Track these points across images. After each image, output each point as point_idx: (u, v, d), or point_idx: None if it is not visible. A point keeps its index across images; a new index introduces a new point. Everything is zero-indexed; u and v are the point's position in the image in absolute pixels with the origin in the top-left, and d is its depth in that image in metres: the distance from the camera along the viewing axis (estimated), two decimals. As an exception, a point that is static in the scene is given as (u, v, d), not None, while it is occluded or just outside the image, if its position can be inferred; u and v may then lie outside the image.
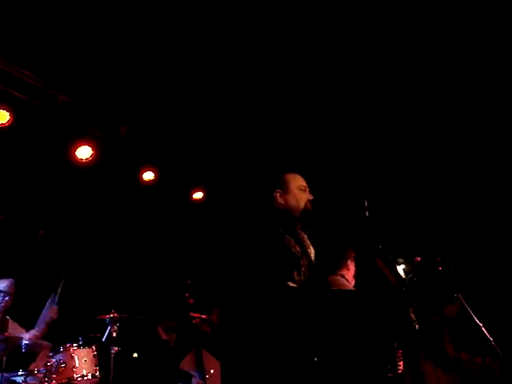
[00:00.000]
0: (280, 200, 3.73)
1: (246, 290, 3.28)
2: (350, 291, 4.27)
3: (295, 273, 3.37)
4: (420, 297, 3.35)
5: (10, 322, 6.45)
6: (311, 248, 3.70)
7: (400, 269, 3.97)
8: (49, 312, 6.30)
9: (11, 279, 6.46)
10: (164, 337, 7.36)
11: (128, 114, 7.61)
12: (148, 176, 8.27)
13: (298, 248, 3.52)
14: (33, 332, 6.17)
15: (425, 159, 7.44)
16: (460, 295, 4.55)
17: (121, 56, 6.61)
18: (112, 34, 6.31)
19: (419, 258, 4.32)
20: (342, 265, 5.22)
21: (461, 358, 5.90)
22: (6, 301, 6.36)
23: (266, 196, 3.79)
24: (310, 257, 3.62)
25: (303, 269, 3.44)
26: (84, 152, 7.51)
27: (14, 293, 6.45)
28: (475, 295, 4.98)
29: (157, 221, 8.59)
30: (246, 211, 4.52)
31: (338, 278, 5.07)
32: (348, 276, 5.15)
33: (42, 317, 6.28)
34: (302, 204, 3.69)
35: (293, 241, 3.54)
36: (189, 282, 6.86)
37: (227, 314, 3.62)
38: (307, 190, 3.78)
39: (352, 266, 5.24)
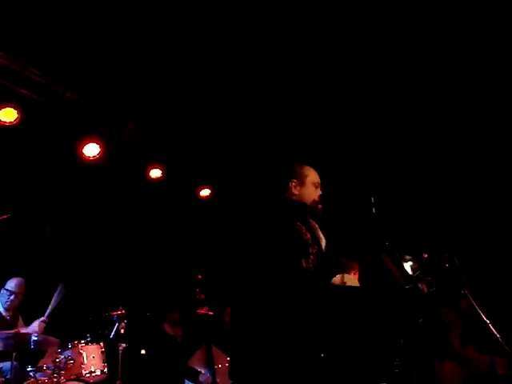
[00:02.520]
0: (294, 190, 3.76)
1: (254, 278, 3.30)
2: (356, 288, 4.27)
3: (303, 260, 3.38)
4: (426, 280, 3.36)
5: (21, 318, 6.51)
6: (322, 237, 3.70)
7: (407, 266, 3.97)
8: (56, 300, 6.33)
9: (20, 278, 6.51)
10: (170, 332, 7.39)
11: (135, 112, 7.62)
12: (155, 173, 8.28)
13: (308, 235, 3.53)
14: (35, 325, 6.17)
15: (431, 156, 7.44)
16: (467, 291, 4.55)
17: (128, 53, 6.62)
18: (119, 32, 6.32)
19: (426, 255, 4.32)
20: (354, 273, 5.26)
21: (468, 354, 5.91)
22: (12, 300, 6.42)
23: (281, 184, 3.80)
24: (321, 245, 3.63)
25: (312, 257, 3.44)
26: (91, 149, 7.51)
27: (24, 292, 6.50)
28: (482, 292, 4.98)
29: (164, 217, 8.61)
30: (258, 200, 4.53)
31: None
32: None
33: (50, 307, 6.33)
34: (314, 200, 3.72)
35: (304, 228, 3.55)
36: (199, 276, 6.87)
37: (237, 307, 3.62)
38: (320, 187, 3.81)
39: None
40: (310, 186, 3.76)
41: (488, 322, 4.49)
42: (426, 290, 3.26)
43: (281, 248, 3.32)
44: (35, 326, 6.12)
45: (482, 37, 6.18)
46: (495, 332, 4.40)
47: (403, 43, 6.39)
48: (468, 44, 6.29)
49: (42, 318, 6.19)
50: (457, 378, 5.57)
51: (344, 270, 5.24)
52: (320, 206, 3.69)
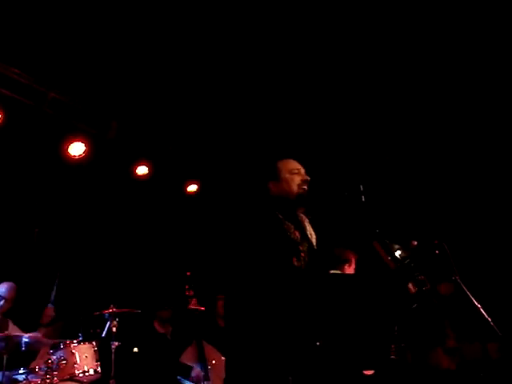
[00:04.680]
0: (274, 189, 3.73)
1: (247, 277, 3.29)
2: (348, 275, 4.28)
3: (294, 259, 3.37)
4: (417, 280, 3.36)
5: (11, 324, 6.45)
6: (313, 233, 3.69)
7: (396, 254, 3.98)
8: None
9: (11, 283, 6.46)
10: (160, 330, 7.37)
11: (119, 110, 7.59)
12: (142, 170, 8.26)
13: (297, 234, 3.51)
14: (33, 335, 6.16)
15: (418, 143, 7.47)
16: (458, 278, 4.57)
17: (110, 52, 6.59)
18: (100, 30, 6.29)
19: (416, 242, 4.33)
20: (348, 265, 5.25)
21: (460, 342, 5.93)
22: (2, 305, 6.37)
23: (262, 187, 3.79)
24: (312, 242, 3.62)
25: (302, 254, 3.43)
26: (77, 148, 7.49)
27: (14, 297, 6.46)
28: (473, 277, 5.01)
29: (152, 215, 8.59)
30: (244, 201, 4.51)
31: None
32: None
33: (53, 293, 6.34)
34: (294, 187, 3.66)
35: (292, 227, 3.53)
36: (188, 273, 6.86)
37: (231, 303, 3.61)
38: (301, 171, 3.75)
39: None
40: (286, 177, 3.70)
41: (479, 306, 4.51)
42: (413, 290, 3.26)
43: (271, 249, 3.30)
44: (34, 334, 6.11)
45: (481, 37, 6.21)
46: (487, 316, 4.42)
47: (397, 40, 6.41)
48: (468, 44, 6.33)
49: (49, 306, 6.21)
50: (446, 365, 5.59)
51: (339, 262, 5.24)
52: (304, 188, 3.64)
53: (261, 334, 3.06)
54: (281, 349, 2.91)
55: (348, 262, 5.23)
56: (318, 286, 2.97)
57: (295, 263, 3.36)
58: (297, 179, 3.69)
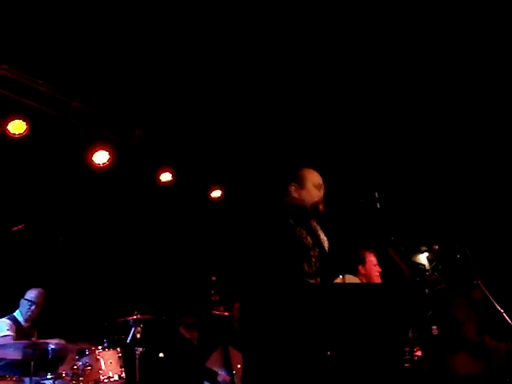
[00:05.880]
0: (294, 194, 3.74)
1: (260, 283, 3.31)
2: (361, 284, 4.25)
3: (305, 264, 3.37)
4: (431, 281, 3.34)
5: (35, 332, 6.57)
6: (325, 239, 3.68)
7: (423, 256, 3.97)
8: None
9: (40, 289, 6.60)
10: (187, 335, 7.40)
11: (142, 117, 7.65)
12: (166, 177, 8.32)
13: (309, 239, 3.52)
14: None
15: (435, 148, 7.40)
16: (480, 281, 4.54)
17: (132, 60, 6.65)
18: (122, 38, 6.35)
19: (437, 246, 4.31)
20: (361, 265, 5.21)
21: (486, 343, 5.87)
22: (33, 310, 6.50)
23: (281, 189, 3.80)
24: (323, 247, 3.61)
25: (314, 260, 3.44)
26: (101, 157, 7.56)
27: (43, 302, 6.57)
28: (495, 281, 4.96)
29: (177, 221, 8.64)
30: (260, 205, 4.53)
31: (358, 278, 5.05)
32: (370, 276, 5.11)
33: None
34: (315, 202, 3.68)
35: (304, 232, 3.54)
36: (213, 278, 6.88)
37: (246, 307, 3.63)
38: (322, 188, 3.77)
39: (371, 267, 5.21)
40: (310, 188, 3.73)
41: (502, 310, 4.47)
42: (427, 291, 3.24)
43: (282, 254, 3.32)
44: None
45: (481, 37, 6.16)
46: (509, 320, 4.39)
47: (404, 44, 6.38)
48: (468, 44, 6.28)
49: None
50: (470, 370, 5.53)
51: (362, 263, 5.19)
52: (321, 206, 3.66)
53: (272, 342, 3.07)
54: (292, 357, 2.92)
55: (363, 262, 5.18)
56: (329, 295, 2.96)
57: (306, 269, 3.37)
58: (318, 195, 3.72)
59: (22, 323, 6.51)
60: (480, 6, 5.81)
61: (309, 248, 3.47)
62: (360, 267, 5.16)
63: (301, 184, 3.75)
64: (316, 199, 3.70)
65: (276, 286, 3.16)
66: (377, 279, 5.14)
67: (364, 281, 5.05)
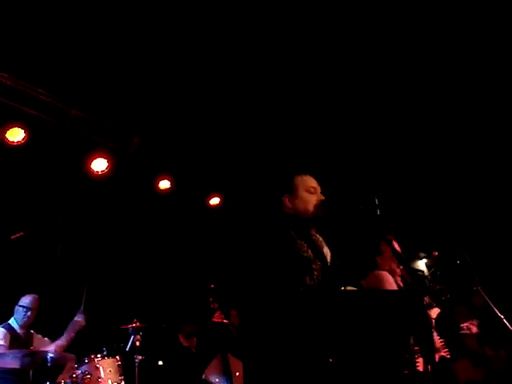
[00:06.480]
0: (288, 204, 3.64)
1: (261, 295, 3.28)
2: (361, 291, 4.22)
3: (307, 277, 3.30)
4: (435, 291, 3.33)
5: (35, 335, 6.56)
6: (327, 251, 3.62)
7: (422, 263, 3.96)
8: (76, 322, 6.44)
9: (34, 295, 6.56)
10: (185, 344, 7.39)
11: (141, 124, 7.67)
12: (164, 184, 8.32)
13: (310, 252, 3.44)
14: (59, 342, 6.30)
15: (435, 153, 7.42)
16: (479, 288, 4.54)
17: (130, 68, 6.66)
18: (121, 47, 6.37)
19: (437, 253, 4.30)
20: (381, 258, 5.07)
21: (486, 352, 5.87)
22: (29, 316, 6.46)
23: (276, 201, 3.73)
24: (325, 260, 3.54)
25: (316, 273, 3.37)
26: (100, 164, 7.58)
27: (37, 308, 6.55)
28: (495, 287, 4.96)
29: (176, 228, 8.64)
30: (258, 217, 4.49)
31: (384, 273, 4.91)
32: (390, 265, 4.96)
33: (69, 326, 6.41)
34: (310, 207, 3.58)
35: (305, 245, 3.46)
36: (212, 286, 6.88)
37: (246, 317, 3.61)
38: (317, 191, 3.67)
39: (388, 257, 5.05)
40: (303, 195, 3.63)
41: (502, 317, 4.47)
42: (427, 301, 3.23)
43: (284, 267, 3.26)
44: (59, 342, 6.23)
45: (481, 37, 6.17)
46: (510, 326, 4.39)
47: (404, 45, 6.39)
48: (468, 44, 6.29)
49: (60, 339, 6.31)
50: (471, 377, 5.52)
51: (379, 254, 5.04)
52: (319, 210, 3.56)
53: (273, 350, 3.06)
54: (294, 364, 2.91)
55: (380, 253, 5.04)
56: (331, 303, 2.93)
57: (308, 282, 3.30)
58: (313, 199, 3.61)
59: (18, 330, 6.45)
60: (480, 6, 5.83)
61: (310, 261, 3.40)
62: (378, 259, 5.00)
63: (294, 193, 3.65)
64: (312, 205, 3.59)
65: (277, 295, 3.13)
66: (395, 267, 4.93)
67: (387, 269, 4.86)
